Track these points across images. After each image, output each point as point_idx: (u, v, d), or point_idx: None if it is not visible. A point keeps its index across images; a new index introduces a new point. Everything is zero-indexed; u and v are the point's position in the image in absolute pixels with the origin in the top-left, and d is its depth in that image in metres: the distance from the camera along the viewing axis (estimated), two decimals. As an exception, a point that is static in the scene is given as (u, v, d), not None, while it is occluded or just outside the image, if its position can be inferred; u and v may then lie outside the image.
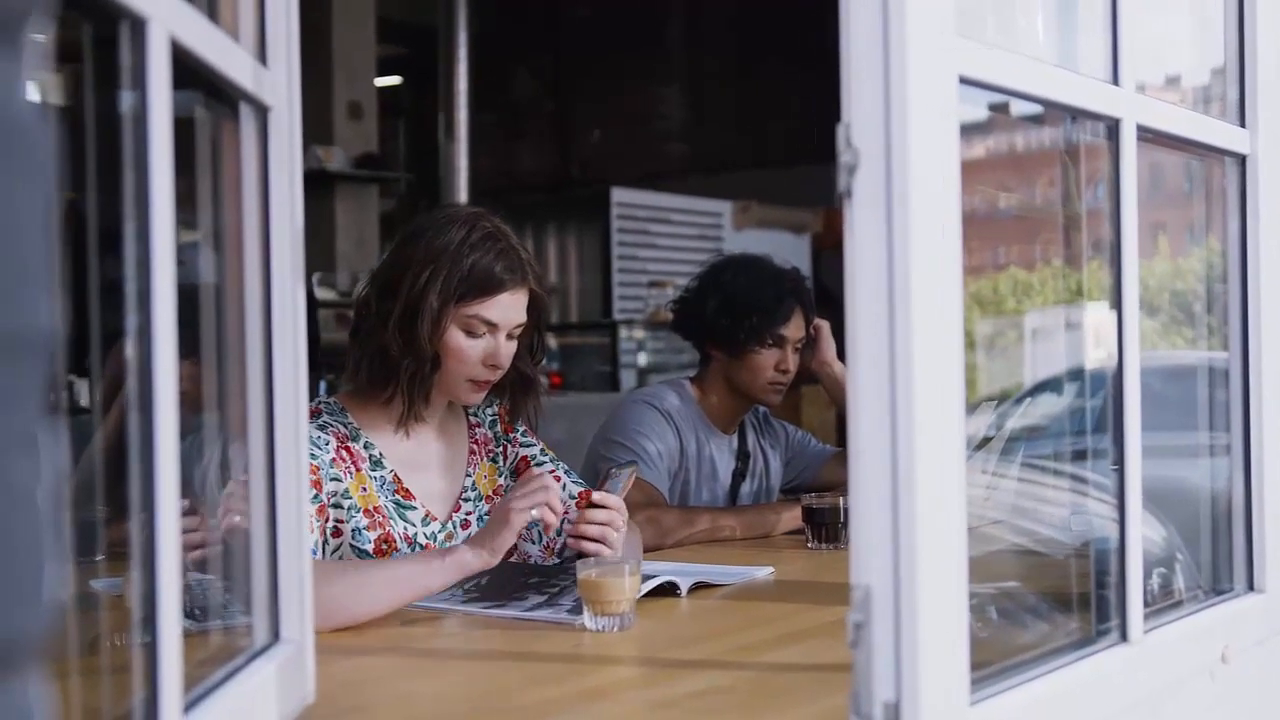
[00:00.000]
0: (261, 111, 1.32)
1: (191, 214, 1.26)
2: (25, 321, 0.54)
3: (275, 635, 1.34)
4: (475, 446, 2.34)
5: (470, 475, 2.31)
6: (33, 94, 0.58)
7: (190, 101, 1.20)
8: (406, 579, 1.94)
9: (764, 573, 2.31)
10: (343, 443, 2.15)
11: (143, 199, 0.98)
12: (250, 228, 1.32)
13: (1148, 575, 1.57)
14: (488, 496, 2.32)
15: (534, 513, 1.95)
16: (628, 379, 7.27)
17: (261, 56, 1.32)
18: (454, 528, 2.25)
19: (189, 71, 1.09)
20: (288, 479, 1.35)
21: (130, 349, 0.98)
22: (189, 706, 1.07)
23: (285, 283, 1.34)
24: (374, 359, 2.17)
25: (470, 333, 2.16)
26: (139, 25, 0.97)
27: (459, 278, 2.12)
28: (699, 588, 2.14)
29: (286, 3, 1.35)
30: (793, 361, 2.96)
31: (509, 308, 2.17)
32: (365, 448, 2.19)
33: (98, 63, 1.03)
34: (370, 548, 2.12)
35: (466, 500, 2.29)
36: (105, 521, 1.29)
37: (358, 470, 2.15)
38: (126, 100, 0.99)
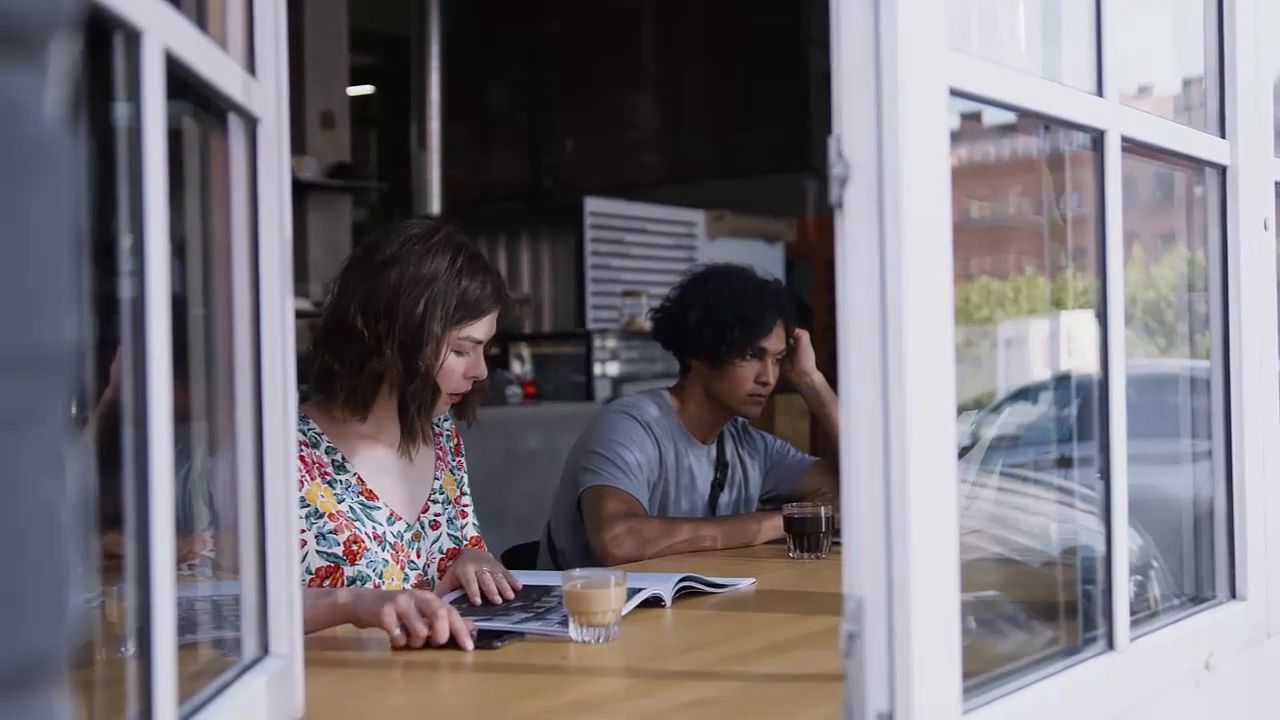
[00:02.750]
0: (251, 122, 1.31)
1: (179, 224, 1.25)
2: (50, 337, 0.54)
3: (264, 649, 1.33)
4: (440, 453, 2.42)
5: (438, 479, 2.38)
6: (56, 109, 0.57)
7: (177, 112, 1.19)
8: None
9: (747, 583, 2.32)
10: (298, 450, 2.17)
11: (137, 209, 0.97)
12: (239, 238, 1.32)
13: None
14: (454, 501, 2.40)
15: (396, 632, 1.80)
16: (602, 389, 7.26)
17: (250, 67, 1.31)
18: (422, 528, 2.32)
19: (178, 82, 1.08)
20: (276, 492, 1.34)
21: (123, 360, 0.97)
22: (181, 721, 1.06)
23: (274, 294, 1.33)
24: (370, 383, 2.21)
25: (459, 352, 2.24)
26: (134, 37, 0.96)
27: (455, 303, 2.20)
28: (685, 594, 2.14)
29: (275, 14, 1.35)
30: (773, 374, 2.96)
31: (491, 324, 2.28)
32: (327, 453, 2.24)
33: (89, 74, 1.02)
34: (340, 550, 2.17)
35: (435, 502, 2.36)
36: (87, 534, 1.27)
37: (313, 478, 2.19)
38: (120, 111, 0.98)
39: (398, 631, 1.80)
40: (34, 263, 0.53)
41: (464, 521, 2.43)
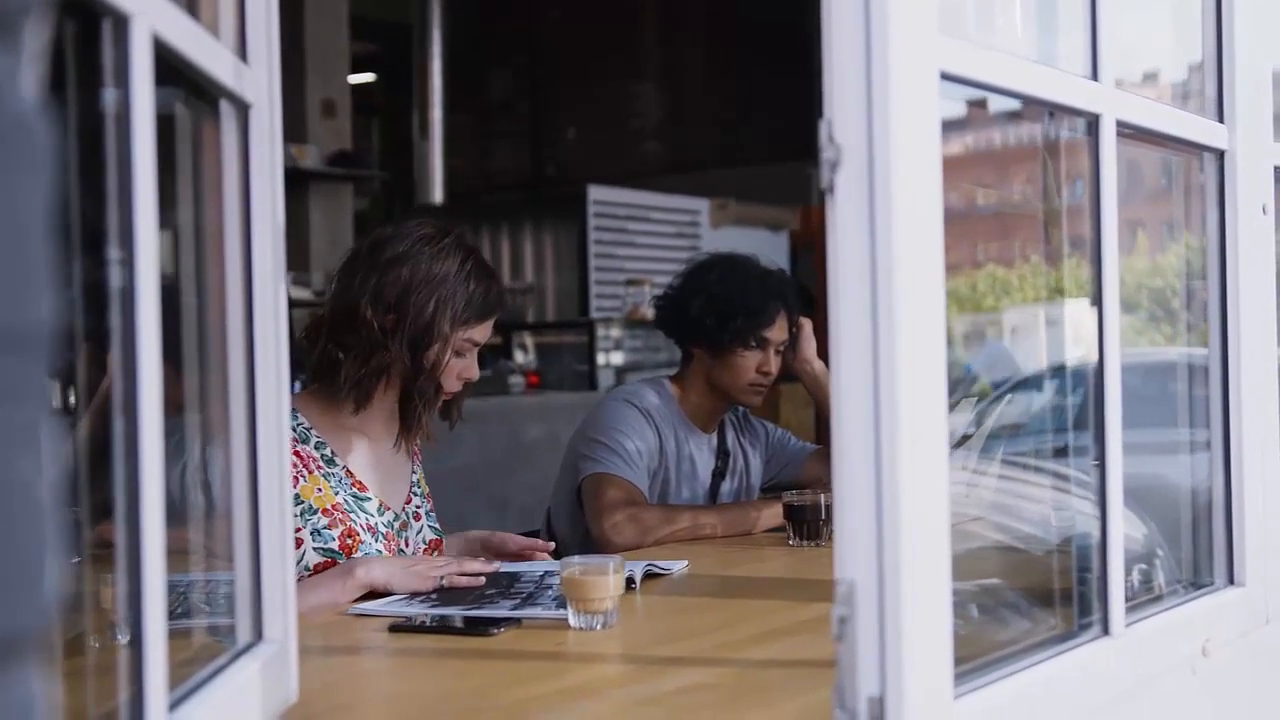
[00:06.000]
0: (242, 109, 1.31)
1: (170, 212, 1.25)
2: (28, 316, 0.54)
3: (258, 634, 1.33)
4: (415, 449, 2.45)
5: (415, 473, 2.44)
6: (31, 90, 0.57)
7: (169, 99, 1.19)
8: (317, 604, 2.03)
9: (680, 566, 2.34)
10: (290, 447, 2.18)
11: (126, 197, 0.97)
12: (231, 226, 1.31)
13: (1127, 571, 1.58)
14: (427, 495, 2.46)
15: (444, 581, 2.10)
16: (605, 378, 7.25)
17: (242, 53, 1.31)
18: (407, 517, 2.37)
19: (169, 68, 1.08)
20: (270, 479, 1.35)
21: (112, 350, 0.97)
22: (173, 705, 1.06)
23: (267, 282, 1.33)
24: (375, 375, 2.24)
25: (459, 353, 2.28)
26: (122, 22, 0.96)
27: (463, 304, 2.25)
28: (650, 578, 2.19)
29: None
30: (774, 363, 2.95)
31: (489, 329, 2.33)
32: (316, 448, 2.26)
33: (77, 60, 1.02)
34: (335, 544, 2.20)
35: (416, 494, 2.41)
36: (82, 523, 1.28)
37: (310, 472, 2.22)
38: (108, 97, 0.98)
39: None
40: (9, 242, 0.53)
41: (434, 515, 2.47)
